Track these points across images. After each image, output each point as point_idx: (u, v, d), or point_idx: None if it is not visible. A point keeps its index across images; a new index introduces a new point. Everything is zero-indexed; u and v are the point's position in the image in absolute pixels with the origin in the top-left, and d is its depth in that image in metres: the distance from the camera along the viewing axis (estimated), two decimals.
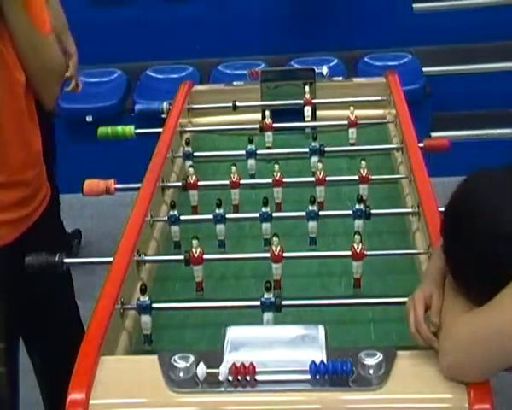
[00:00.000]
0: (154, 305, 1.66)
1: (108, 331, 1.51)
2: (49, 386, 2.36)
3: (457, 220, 1.39)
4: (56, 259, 1.79)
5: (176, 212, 1.99)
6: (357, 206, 1.97)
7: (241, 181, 2.17)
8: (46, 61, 1.98)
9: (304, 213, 1.98)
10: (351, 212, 1.97)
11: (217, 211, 1.97)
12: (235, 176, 2.16)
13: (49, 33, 1.99)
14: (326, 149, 2.33)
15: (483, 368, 1.32)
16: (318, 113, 2.67)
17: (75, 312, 2.33)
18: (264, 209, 1.97)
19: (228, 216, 2.00)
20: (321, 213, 1.99)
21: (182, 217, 2.01)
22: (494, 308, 1.30)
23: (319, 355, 1.37)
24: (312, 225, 1.98)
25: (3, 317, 2.07)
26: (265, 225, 1.98)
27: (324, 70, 2.78)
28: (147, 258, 1.88)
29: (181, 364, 1.37)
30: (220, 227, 1.98)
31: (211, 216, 1.99)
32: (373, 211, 1.98)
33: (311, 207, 1.97)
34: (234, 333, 1.44)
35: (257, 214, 1.98)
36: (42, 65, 1.97)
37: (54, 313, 2.21)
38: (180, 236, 2.01)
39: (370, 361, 1.36)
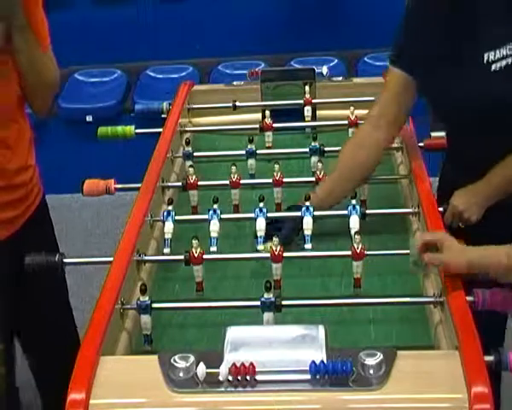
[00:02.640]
0: (154, 305, 1.65)
1: (108, 331, 1.51)
2: (47, 388, 2.36)
3: None
4: (56, 259, 1.79)
5: (170, 207, 1.99)
6: (353, 201, 1.96)
7: (241, 181, 2.17)
8: (43, 76, 2.01)
9: None
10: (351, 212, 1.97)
11: (215, 207, 1.96)
12: (235, 176, 2.16)
13: (47, 49, 2.02)
14: (326, 149, 2.33)
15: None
16: (318, 113, 2.67)
17: (69, 313, 2.33)
18: (261, 205, 1.95)
19: (228, 216, 2.00)
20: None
21: (181, 217, 2.01)
22: None
23: (319, 355, 1.37)
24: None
25: (3, 317, 2.07)
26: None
27: (324, 70, 2.78)
28: (147, 258, 1.88)
29: (181, 364, 1.37)
30: (215, 222, 1.95)
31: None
32: (372, 211, 1.98)
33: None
34: (234, 333, 1.44)
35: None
36: (39, 79, 2.00)
37: (48, 314, 2.21)
38: (176, 234, 2.00)
39: (370, 361, 1.36)
